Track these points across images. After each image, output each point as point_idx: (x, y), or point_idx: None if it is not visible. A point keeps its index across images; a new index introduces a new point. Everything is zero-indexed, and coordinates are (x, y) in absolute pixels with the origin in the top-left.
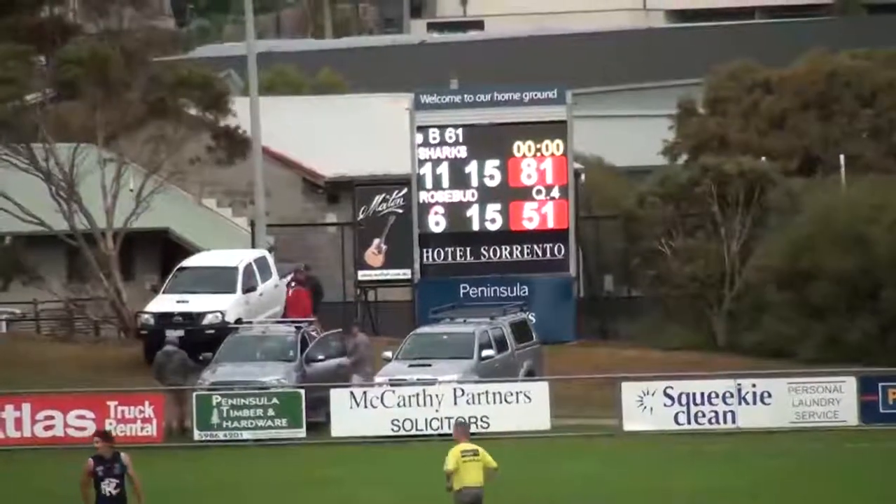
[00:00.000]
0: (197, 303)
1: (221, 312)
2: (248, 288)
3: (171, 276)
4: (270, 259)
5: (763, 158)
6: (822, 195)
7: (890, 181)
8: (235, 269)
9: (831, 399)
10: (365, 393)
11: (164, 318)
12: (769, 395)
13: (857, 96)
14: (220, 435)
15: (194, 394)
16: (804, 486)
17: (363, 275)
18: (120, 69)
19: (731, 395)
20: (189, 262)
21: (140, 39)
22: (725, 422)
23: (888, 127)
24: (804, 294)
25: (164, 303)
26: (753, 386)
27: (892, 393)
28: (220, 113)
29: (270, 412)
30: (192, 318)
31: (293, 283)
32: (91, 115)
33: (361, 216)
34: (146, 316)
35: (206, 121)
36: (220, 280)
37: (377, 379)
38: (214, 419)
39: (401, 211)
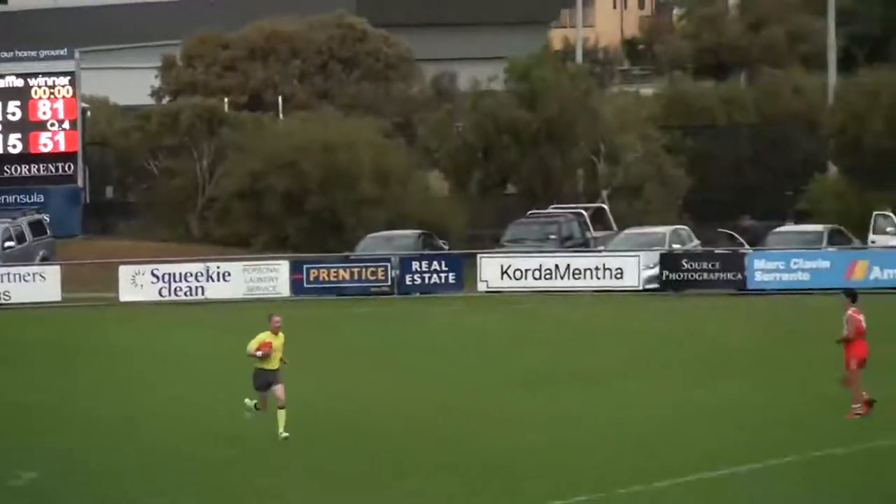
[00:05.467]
0: None
1: None
2: None
3: None
4: None
5: (225, 98)
6: (267, 128)
7: (316, 117)
8: None
9: (272, 277)
10: None
11: None
12: (230, 274)
13: (290, 49)
14: None
15: None
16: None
17: None
18: None
19: (202, 275)
20: None
21: None
22: (197, 294)
23: (313, 72)
24: (257, 202)
25: None
26: (218, 267)
27: (313, 272)
28: None
29: None
30: None
31: None
32: None
33: None
34: None
35: None
36: None
37: None
38: None
39: None
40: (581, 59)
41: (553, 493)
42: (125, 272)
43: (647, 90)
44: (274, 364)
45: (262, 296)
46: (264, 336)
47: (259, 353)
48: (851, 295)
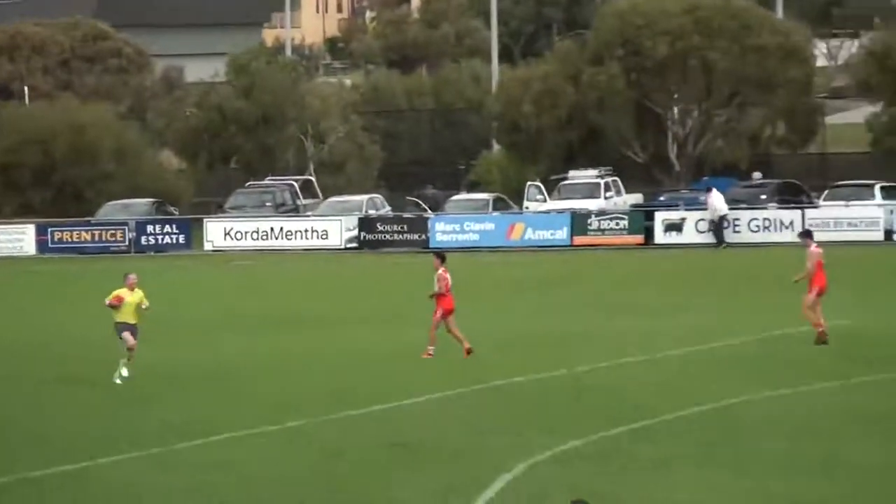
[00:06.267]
0: None
1: None
2: None
3: None
4: None
5: None
6: (17, 112)
7: (62, 104)
8: None
9: (18, 238)
10: None
11: None
12: None
13: (33, 47)
14: None
15: None
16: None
17: None
18: None
19: None
20: None
21: None
22: None
23: (56, 67)
24: (7, 176)
25: None
26: None
27: (57, 234)
28: None
29: None
30: None
31: None
32: None
33: None
34: None
35: None
36: None
37: None
38: None
39: None
40: (290, 54)
41: (266, 418)
42: None
43: (346, 81)
44: (129, 317)
45: (9, 254)
46: (119, 291)
47: (107, 303)
48: (441, 256)
